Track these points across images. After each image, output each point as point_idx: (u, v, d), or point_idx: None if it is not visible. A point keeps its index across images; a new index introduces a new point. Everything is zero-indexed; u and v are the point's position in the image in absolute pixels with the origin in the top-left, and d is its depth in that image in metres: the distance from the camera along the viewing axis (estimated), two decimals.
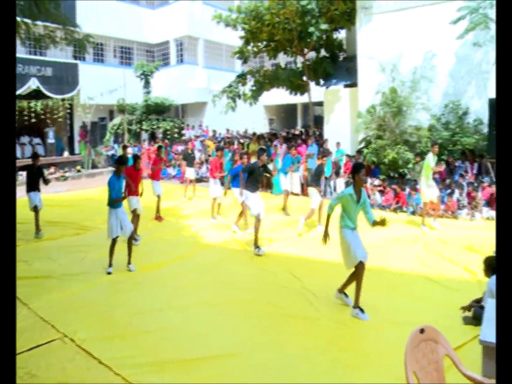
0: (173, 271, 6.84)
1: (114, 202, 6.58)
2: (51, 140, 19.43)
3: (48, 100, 18.54)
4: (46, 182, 9.11)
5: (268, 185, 13.64)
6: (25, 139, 18.76)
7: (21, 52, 17.85)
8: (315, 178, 9.02)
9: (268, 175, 9.10)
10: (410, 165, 12.09)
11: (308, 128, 19.25)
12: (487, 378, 2.75)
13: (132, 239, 6.95)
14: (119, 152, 19.00)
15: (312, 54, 16.78)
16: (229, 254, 7.81)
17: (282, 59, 20.06)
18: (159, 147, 10.70)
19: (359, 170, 5.13)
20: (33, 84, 17.70)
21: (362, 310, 5.04)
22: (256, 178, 7.83)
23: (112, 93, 20.10)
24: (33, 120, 17.97)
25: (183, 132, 23.75)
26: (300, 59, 16.87)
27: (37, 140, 19.39)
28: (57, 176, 17.60)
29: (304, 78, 16.19)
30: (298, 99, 20.47)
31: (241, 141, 17.90)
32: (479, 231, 8.66)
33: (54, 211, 10.73)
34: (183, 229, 9.54)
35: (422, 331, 2.85)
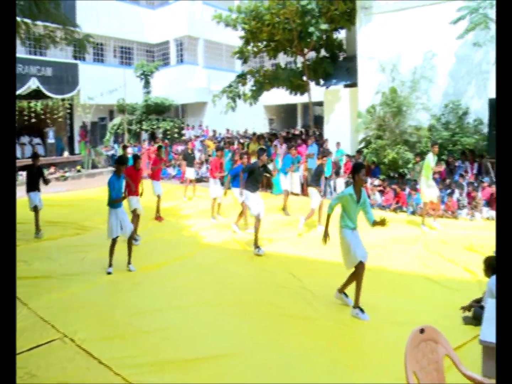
0: (173, 271, 6.84)
1: (114, 202, 6.58)
2: (51, 140, 19.43)
3: (48, 100, 18.55)
4: (46, 182, 9.12)
5: (268, 185, 13.64)
6: (25, 139, 18.76)
7: (21, 52, 17.85)
8: (315, 178, 9.02)
9: (268, 175, 9.10)
10: (410, 165, 12.09)
11: (308, 128, 19.25)
12: (487, 378, 2.75)
13: (132, 239, 6.95)
14: (119, 152, 19.00)
15: (312, 54, 16.78)
16: (229, 254, 7.81)
17: (282, 59, 20.06)
18: (159, 147, 10.69)
19: (359, 170, 5.13)
20: (33, 84, 17.70)
21: (362, 310, 5.04)
22: (256, 178, 7.83)
23: (112, 93, 20.10)
24: (33, 120, 17.97)
25: (183, 132, 23.75)
26: (300, 59, 16.87)
27: (37, 140, 19.39)
28: (57, 176, 17.60)
29: (304, 78, 16.19)
30: (298, 99, 20.47)
31: (241, 141, 17.91)
32: (479, 231, 8.66)
33: (54, 211, 10.73)
34: (183, 229, 9.55)
35: (422, 331, 2.85)
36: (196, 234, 9.06)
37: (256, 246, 7.58)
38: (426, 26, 12.44)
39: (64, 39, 10.78)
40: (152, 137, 23.09)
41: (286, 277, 6.43)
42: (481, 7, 10.62)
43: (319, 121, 22.46)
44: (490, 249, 6.85)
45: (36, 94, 18.04)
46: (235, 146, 16.61)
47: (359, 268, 5.04)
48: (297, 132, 21.24)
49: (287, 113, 29.99)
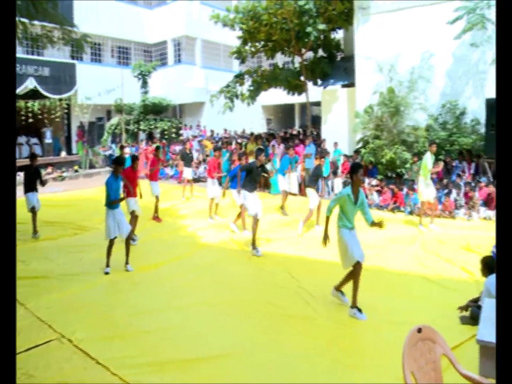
0: (171, 271, 6.84)
1: (112, 203, 6.57)
2: (48, 140, 19.39)
3: (46, 100, 18.51)
4: (43, 183, 9.04)
5: (266, 185, 13.65)
6: (22, 139, 18.73)
7: (18, 51, 17.78)
8: (313, 179, 9.03)
9: (265, 175, 9.09)
10: (407, 165, 12.12)
11: (306, 128, 19.26)
12: (484, 377, 2.76)
13: (129, 239, 6.94)
14: (117, 152, 18.97)
15: (309, 54, 16.80)
16: (227, 254, 7.81)
17: (280, 59, 20.08)
18: (157, 148, 10.67)
19: (357, 170, 5.14)
20: (30, 84, 17.67)
21: (360, 310, 5.04)
22: (254, 178, 7.83)
23: (109, 93, 20.08)
24: (31, 120, 17.93)
25: (181, 132, 23.73)
26: (297, 59, 16.89)
27: (34, 140, 19.36)
28: (54, 176, 17.56)
29: (302, 78, 16.20)
30: (296, 99, 20.48)
31: (239, 141, 17.92)
32: (476, 231, 8.70)
33: (51, 211, 10.71)
34: (181, 229, 9.54)
35: (419, 330, 2.86)
36: (194, 234, 9.05)
37: (254, 247, 7.57)
38: (423, 26, 12.47)
39: (61, 39, 10.75)
40: (150, 137, 23.07)
41: (285, 277, 6.43)
42: (478, 7, 10.64)
43: (316, 121, 22.48)
44: (487, 249, 6.86)
45: (33, 94, 18.01)
46: (233, 146, 16.62)
47: (356, 268, 5.05)
48: (294, 132, 21.25)
49: (284, 113, 30.00)
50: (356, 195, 5.14)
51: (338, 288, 5.41)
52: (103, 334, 4.72)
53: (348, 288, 5.24)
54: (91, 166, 20.03)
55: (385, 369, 3.90)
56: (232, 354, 4.29)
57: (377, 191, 11.56)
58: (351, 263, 5.06)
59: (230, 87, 17.29)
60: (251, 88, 16.94)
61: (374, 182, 11.96)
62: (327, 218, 5.27)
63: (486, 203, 9.81)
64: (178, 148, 19.63)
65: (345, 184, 11.89)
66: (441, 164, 9.92)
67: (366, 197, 8.50)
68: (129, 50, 26.74)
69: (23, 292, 5.72)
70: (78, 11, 19.94)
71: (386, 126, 12.58)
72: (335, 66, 16.35)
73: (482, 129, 11.48)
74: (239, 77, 17.48)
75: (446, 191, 10.31)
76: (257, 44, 16.75)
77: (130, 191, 7.84)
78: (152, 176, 10.14)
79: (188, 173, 13.03)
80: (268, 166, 12.92)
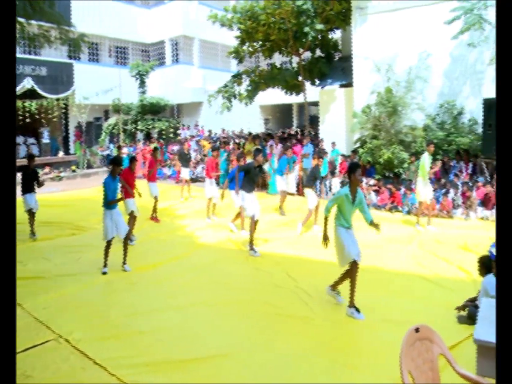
0: (168, 271, 6.83)
1: (110, 204, 6.55)
2: (46, 140, 19.36)
3: (43, 100, 18.47)
4: (40, 185, 8.92)
5: (263, 185, 13.65)
6: (19, 139, 18.69)
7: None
8: (311, 179, 9.02)
9: (263, 175, 9.06)
10: (405, 165, 12.14)
11: (304, 128, 19.28)
12: (482, 376, 2.76)
13: (127, 239, 6.93)
14: (114, 152, 18.95)
15: (307, 54, 16.81)
16: (225, 254, 7.80)
17: (278, 59, 20.07)
18: (155, 149, 10.65)
19: (355, 170, 5.14)
20: (27, 83, 17.62)
21: (357, 310, 5.05)
22: (252, 178, 7.81)
23: (107, 93, 20.05)
24: (28, 120, 17.89)
25: (179, 132, 23.72)
26: (295, 59, 16.89)
27: (31, 140, 19.32)
28: (52, 176, 17.53)
29: (300, 78, 16.22)
30: (294, 99, 20.50)
31: (237, 141, 17.93)
32: (474, 230, 8.71)
33: (49, 211, 10.68)
34: (179, 229, 9.53)
35: (417, 330, 2.86)
36: (192, 234, 9.05)
37: (251, 248, 7.56)
38: (421, 26, 12.49)
39: (58, 39, 10.74)
40: (148, 137, 23.05)
41: (282, 277, 6.43)
42: (475, 7, 10.67)
43: (314, 121, 22.49)
44: (484, 248, 6.86)
45: (30, 94, 17.97)
46: (231, 146, 16.61)
47: (353, 267, 5.06)
48: (292, 132, 21.26)
49: (282, 113, 30.01)
50: (354, 195, 5.14)
51: (333, 287, 5.42)
52: (101, 334, 4.71)
53: (345, 287, 5.24)
54: (89, 166, 20.00)
55: (383, 369, 3.91)
56: (230, 354, 4.28)
57: (375, 190, 11.58)
58: (347, 261, 5.07)
59: (228, 87, 17.29)
60: (249, 88, 16.94)
61: (372, 182, 11.97)
62: (326, 218, 5.28)
63: (484, 202, 9.84)
64: (176, 148, 19.61)
65: (343, 184, 11.88)
66: (439, 163, 9.93)
67: (364, 196, 8.50)
68: (126, 49, 26.71)
69: (20, 292, 5.68)
70: (76, 11, 19.91)
71: (383, 126, 12.60)
72: (333, 66, 16.36)
73: (480, 129, 11.51)
74: (237, 77, 17.48)
75: (443, 190, 10.33)
76: (255, 44, 16.75)
77: (129, 192, 7.83)
78: (151, 177, 10.12)
79: (185, 173, 13.02)
80: (266, 166, 12.94)
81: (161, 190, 11.45)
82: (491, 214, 9.43)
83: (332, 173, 13.39)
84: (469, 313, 4.75)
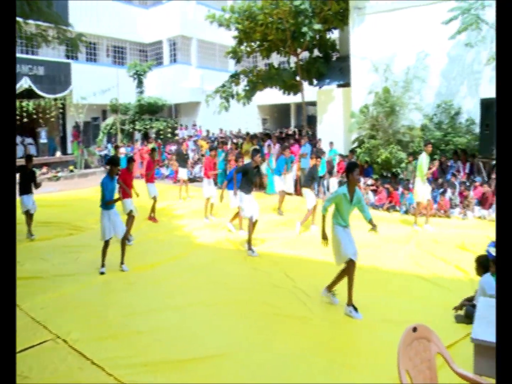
0: (166, 271, 6.82)
1: (107, 204, 6.54)
2: (43, 140, 19.33)
3: (40, 99, 18.44)
4: (37, 186, 8.87)
5: (261, 186, 13.64)
6: (17, 139, 18.63)
7: None
8: (308, 179, 9.03)
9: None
10: (403, 165, 12.16)
11: (302, 128, 19.27)
12: (479, 376, 2.77)
13: (125, 239, 6.93)
14: (112, 152, 18.93)
15: (305, 54, 16.81)
16: (223, 254, 7.80)
17: (276, 59, 20.06)
18: (153, 150, 10.63)
19: (353, 170, 5.15)
20: (25, 83, 17.59)
21: (355, 309, 5.06)
22: (250, 179, 7.80)
23: (105, 93, 20.02)
24: (25, 120, 17.85)
25: (177, 132, 23.70)
26: (293, 59, 16.89)
27: (29, 140, 19.28)
28: (49, 176, 17.50)
29: (297, 78, 16.21)
30: (292, 99, 20.49)
31: (235, 141, 17.90)
32: (471, 230, 8.74)
33: (46, 211, 10.65)
34: (177, 229, 9.52)
35: (414, 329, 2.87)
36: (190, 234, 9.04)
37: (249, 248, 7.56)
38: (418, 26, 12.51)
39: (56, 38, 10.72)
40: (145, 137, 23.01)
41: (280, 277, 6.43)
42: (472, 8, 10.68)
43: (312, 121, 22.48)
44: (482, 247, 6.88)
45: (28, 94, 17.93)
46: (229, 146, 16.60)
47: (349, 265, 5.07)
48: (290, 132, 21.27)
49: (280, 113, 30.02)
50: (352, 194, 5.15)
51: (329, 289, 5.43)
52: (98, 334, 4.71)
53: (342, 287, 5.24)
54: (86, 166, 19.97)
55: (381, 369, 3.91)
56: (228, 354, 4.28)
57: (373, 190, 11.60)
58: (344, 259, 5.09)
59: (226, 87, 17.26)
60: (247, 88, 16.92)
61: (370, 181, 11.99)
62: (323, 217, 5.29)
63: (481, 202, 9.87)
64: (173, 148, 19.59)
65: (340, 184, 11.89)
66: (437, 163, 9.96)
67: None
68: (124, 49, 26.67)
69: (18, 293, 5.61)
70: (73, 10, 19.89)
71: (381, 126, 12.61)
72: (331, 66, 16.36)
73: (477, 129, 11.54)
74: (235, 77, 17.45)
75: (441, 190, 10.35)
76: (252, 44, 16.73)
77: (127, 192, 7.82)
78: (149, 179, 10.10)
79: (183, 173, 13.01)
80: (264, 166, 12.94)
81: (159, 190, 11.42)
82: (489, 213, 9.46)
83: (330, 173, 13.40)
84: (466, 312, 4.77)
